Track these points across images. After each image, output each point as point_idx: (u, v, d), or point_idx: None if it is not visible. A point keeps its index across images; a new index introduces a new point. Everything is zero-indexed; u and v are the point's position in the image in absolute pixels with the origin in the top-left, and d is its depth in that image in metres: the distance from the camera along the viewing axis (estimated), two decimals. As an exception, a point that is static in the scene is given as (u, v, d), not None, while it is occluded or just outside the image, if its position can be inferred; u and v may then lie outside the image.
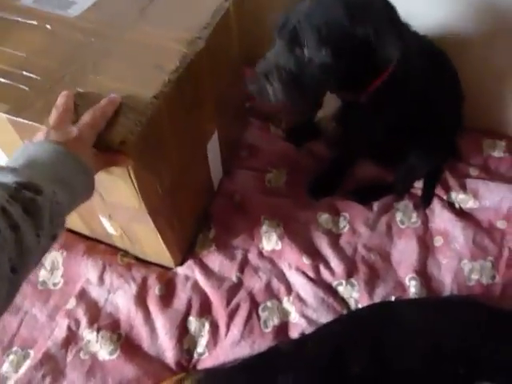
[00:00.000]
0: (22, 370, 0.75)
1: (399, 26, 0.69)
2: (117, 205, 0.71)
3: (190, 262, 0.88)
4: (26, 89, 0.62)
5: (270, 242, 0.90)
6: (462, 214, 0.95)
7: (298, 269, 0.87)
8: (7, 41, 0.69)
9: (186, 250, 0.90)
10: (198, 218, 0.94)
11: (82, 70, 0.65)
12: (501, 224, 0.93)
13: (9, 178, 0.42)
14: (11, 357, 0.76)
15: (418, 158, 0.94)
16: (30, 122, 0.58)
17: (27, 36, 0.70)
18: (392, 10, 0.68)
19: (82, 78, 0.64)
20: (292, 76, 0.67)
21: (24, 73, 0.65)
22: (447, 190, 0.98)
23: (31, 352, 0.77)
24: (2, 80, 0.63)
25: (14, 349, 0.77)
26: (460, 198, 0.96)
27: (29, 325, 0.80)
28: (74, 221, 0.86)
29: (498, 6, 0.88)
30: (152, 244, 0.81)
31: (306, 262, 0.87)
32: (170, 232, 0.80)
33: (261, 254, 0.90)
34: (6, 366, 0.75)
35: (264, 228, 0.91)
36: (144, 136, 0.59)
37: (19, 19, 0.73)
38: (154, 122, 0.61)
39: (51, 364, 0.75)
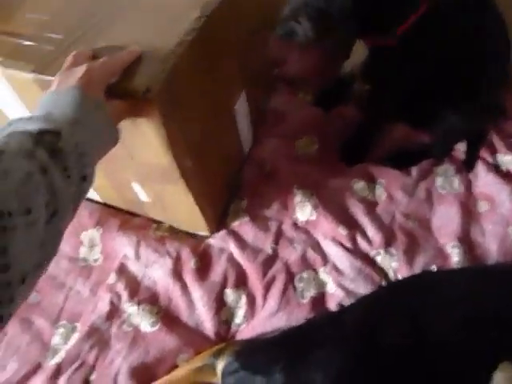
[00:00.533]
0: (71, 342, 0.79)
1: None
2: (147, 166, 0.70)
3: (223, 233, 0.88)
4: (50, 48, 0.62)
5: (305, 212, 0.88)
6: (509, 177, 0.89)
7: (333, 239, 0.85)
8: (27, 5, 0.69)
9: (220, 219, 0.90)
10: (229, 185, 0.92)
11: (102, 25, 0.64)
12: (554, 186, 0.87)
13: (30, 126, 0.44)
14: (60, 330, 0.80)
15: (458, 117, 0.87)
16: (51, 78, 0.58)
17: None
18: None
19: (102, 33, 0.63)
20: (321, 12, 0.62)
21: (46, 34, 0.64)
22: (493, 151, 0.92)
23: (78, 325, 0.80)
24: (26, 42, 0.64)
25: (63, 322, 0.81)
26: (507, 160, 0.90)
27: (73, 300, 0.83)
28: (107, 192, 0.87)
29: None
30: (185, 209, 0.80)
31: (342, 232, 0.84)
32: (203, 195, 0.79)
33: (295, 224, 0.88)
34: (56, 339, 0.79)
35: (298, 198, 0.89)
36: (168, 85, 0.57)
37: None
38: (178, 70, 0.59)
39: (97, 336, 0.79)
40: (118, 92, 0.55)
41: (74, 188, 0.46)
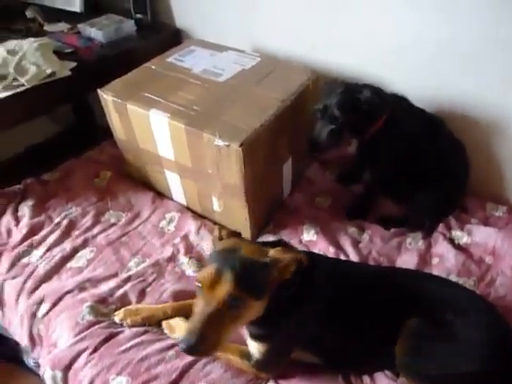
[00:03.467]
0: (140, 267, 1.21)
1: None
2: (227, 185, 1.19)
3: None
4: (193, 113, 1.19)
5: (309, 234, 1.30)
6: (458, 247, 1.26)
7: (325, 254, 1.24)
8: (184, 90, 1.29)
9: (258, 232, 1.34)
10: (268, 214, 1.38)
11: (223, 108, 1.20)
12: (489, 259, 1.22)
13: None
14: (136, 259, 1.23)
15: (426, 202, 1.31)
16: (196, 130, 1.12)
17: (195, 89, 1.30)
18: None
19: (223, 112, 1.18)
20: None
21: (193, 107, 1.22)
22: (449, 229, 1.31)
23: (147, 260, 1.23)
24: (182, 109, 1.20)
25: (138, 256, 1.25)
26: (457, 235, 1.28)
27: (148, 247, 1.28)
28: (194, 201, 1.37)
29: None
30: (240, 219, 1.27)
31: (331, 250, 1.24)
32: (253, 212, 1.26)
33: (300, 241, 1.30)
34: (131, 263, 1.22)
35: (306, 226, 1.32)
36: (251, 145, 1.09)
37: (191, 80, 1.34)
38: (258, 139, 1.12)
39: (158, 268, 1.21)
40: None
41: None
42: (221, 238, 0.89)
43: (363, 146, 1.27)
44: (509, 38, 1.16)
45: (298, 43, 1.57)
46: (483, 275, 1.18)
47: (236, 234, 0.93)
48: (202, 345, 0.75)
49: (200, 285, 0.78)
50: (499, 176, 1.40)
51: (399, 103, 1.24)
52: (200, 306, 0.77)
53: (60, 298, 1.12)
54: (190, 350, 0.75)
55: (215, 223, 1.35)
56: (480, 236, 1.25)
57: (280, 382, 0.98)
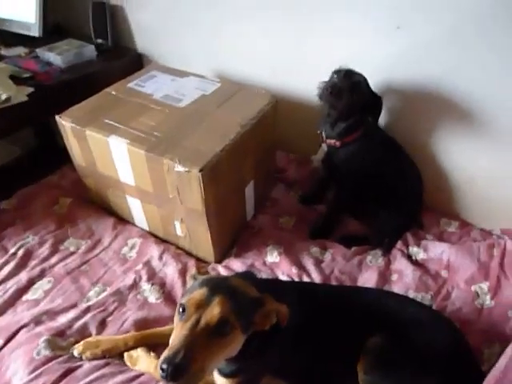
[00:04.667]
0: (101, 296, 1.18)
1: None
2: (188, 210, 1.19)
3: (219, 264, 1.31)
4: (154, 140, 1.19)
5: (272, 256, 1.32)
6: (415, 263, 1.31)
7: (288, 275, 1.26)
8: (145, 116, 1.29)
9: (222, 256, 1.34)
10: (232, 236, 1.38)
11: (183, 133, 1.21)
12: (444, 273, 1.27)
13: None
14: (96, 288, 1.20)
15: (385, 221, 1.36)
16: (156, 156, 1.12)
17: (155, 114, 1.30)
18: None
19: (182, 138, 1.19)
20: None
21: (154, 132, 1.22)
22: (407, 245, 1.36)
23: (108, 288, 1.20)
24: (142, 135, 1.20)
25: (99, 285, 1.21)
26: (414, 251, 1.33)
27: (110, 274, 1.25)
28: (156, 226, 1.35)
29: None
30: (204, 243, 1.27)
31: (294, 271, 1.26)
32: (216, 237, 1.26)
33: (264, 263, 1.31)
34: (91, 293, 1.19)
35: (269, 247, 1.34)
36: (212, 170, 1.09)
37: (152, 105, 1.34)
38: (219, 163, 1.12)
39: (119, 296, 1.18)
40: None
41: None
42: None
43: (332, 154, 1.32)
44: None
45: (259, 68, 1.62)
46: (439, 289, 1.23)
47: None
48: (188, 366, 0.68)
49: (186, 306, 0.75)
50: (450, 193, 1.47)
51: (371, 123, 1.32)
52: (185, 328, 0.72)
53: (15, 333, 1.07)
54: (173, 372, 0.66)
55: (178, 247, 1.34)
56: (435, 251, 1.31)
57: (246, 408, 0.97)
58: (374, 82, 1.29)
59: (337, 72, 1.24)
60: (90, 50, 1.76)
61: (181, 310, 0.77)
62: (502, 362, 0.82)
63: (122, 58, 1.84)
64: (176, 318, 0.78)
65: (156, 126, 1.24)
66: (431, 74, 1.30)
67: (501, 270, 1.23)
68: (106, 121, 1.25)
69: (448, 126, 1.36)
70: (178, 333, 0.74)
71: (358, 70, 1.23)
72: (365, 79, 1.24)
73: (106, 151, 1.22)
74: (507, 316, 1.14)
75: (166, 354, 0.70)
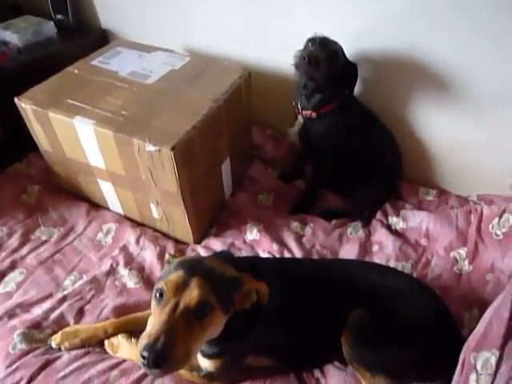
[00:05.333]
0: (77, 284, 1.14)
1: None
2: (163, 192, 1.15)
3: (198, 245, 1.28)
4: (122, 119, 1.13)
5: (252, 233, 1.29)
6: (395, 232, 1.31)
7: (269, 252, 1.24)
8: (111, 95, 1.22)
9: (201, 237, 1.30)
10: (211, 216, 1.35)
11: (153, 112, 1.15)
12: (423, 242, 1.28)
13: None
14: (71, 277, 1.16)
15: (365, 194, 1.36)
16: (125, 136, 1.07)
17: (122, 93, 1.23)
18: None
19: (152, 116, 1.13)
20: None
21: (121, 112, 1.15)
22: (386, 216, 1.36)
23: (84, 276, 1.16)
24: (110, 115, 1.14)
25: (74, 273, 1.17)
26: (394, 221, 1.33)
27: (85, 262, 1.21)
28: (132, 209, 1.31)
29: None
30: (181, 225, 1.23)
31: (275, 247, 1.24)
32: (194, 218, 1.22)
33: (244, 241, 1.29)
34: (67, 282, 1.15)
35: (249, 225, 1.32)
36: (184, 148, 1.05)
37: (118, 83, 1.27)
38: (191, 141, 1.08)
39: (96, 284, 1.14)
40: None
41: None
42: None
43: (308, 126, 1.29)
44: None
45: (231, 41, 1.56)
46: (419, 257, 1.24)
47: None
48: (170, 352, 0.66)
49: (163, 290, 0.73)
50: (428, 162, 1.47)
51: (347, 94, 1.30)
52: (164, 312, 0.70)
53: (-13, 329, 1.03)
54: (155, 359, 0.65)
55: (155, 230, 1.31)
56: (414, 220, 1.31)
57: (232, 387, 0.96)
58: (348, 52, 1.25)
59: (311, 40, 1.20)
60: (49, 27, 1.65)
61: (158, 294, 0.74)
62: (482, 325, 0.83)
63: (84, 35, 1.74)
64: (153, 303, 0.76)
65: (123, 104, 1.17)
66: (404, 43, 1.27)
67: (478, 235, 1.24)
68: (70, 101, 1.18)
69: (424, 95, 1.34)
70: (156, 318, 0.72)
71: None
72: (341, 47, 1.21)
73: (72, 134, 1.16)
74: (485, 280, 1.16)
75: (145, 341, 0.68)
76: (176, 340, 0.68)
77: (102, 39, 1.78)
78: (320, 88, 1.23)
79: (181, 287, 0.73)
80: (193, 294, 0.72)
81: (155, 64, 1.35)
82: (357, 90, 1.31)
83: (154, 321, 0.72)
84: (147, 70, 1.32)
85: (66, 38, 1.68)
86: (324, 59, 1.16)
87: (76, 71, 1.32)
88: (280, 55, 1.42)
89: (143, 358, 0.66)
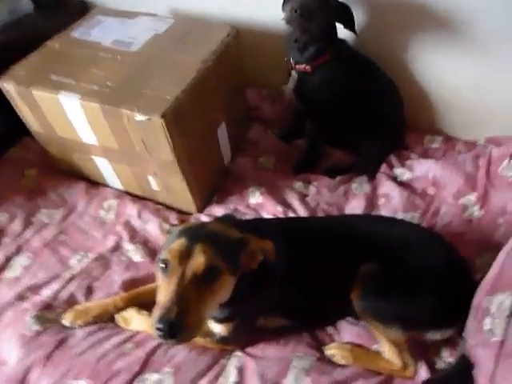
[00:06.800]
0: (83, 263, 1.13)
1: None
2: (159, 162, 1.12)
3: (199, 214, 1.26)
4: (108, 90, 1.08)
5: (255, 197, 1.27)
6: (401, 183, 1.28)
7: (273, 214, 1.22)
8: (95, 66, 1.16)
9: (203, 205, 1.28)
10: (211, 183, 1.32)
11: (139, 80, 1.10)
12: (431, 190, 1.24)
13: None
14: (77, 256, 1.15)
15: (369, 147, 1.31)
16: (113, 108, 1.03)
17: (106, 63, 1.17)
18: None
19: (139, 84, 1.08)
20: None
21: (107, 83, 1.10)
22: (391, 167, 1.32)
23: (90, 254, 1.16)
24: (95, 87, 1.09)
25: (80, 252, 1.17)
26: (399, 172, 1.30)
27: (90, 240, 1.20)
28: (131, 184, 1.28)
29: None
30: (182, 194, 1.21)
31: (279, 209, 1.22)
32: (194, 186, 1.20)
33: (248, 206, 1.26)
34: (73, 262, 1.14)
35: (251, 189, 1.29)
36: (175, 114, 1.01)
37: (101, 54, 1.21)
38: (182, 106, 1.03)
39: (102, 260, 1.14)
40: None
41: None
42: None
43: (304, 81, 1.23)
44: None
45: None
46: (428, 207, 1.21)
47: None
48: (184, 320, 0.66)
49: (167, 260, 0.72)
50: (432, 109, 1.41)
51: (342, 42, 1.23)
52: (171, 282, 0.69)
53: (0, 313, 1.03)
54: (170, 330, 0.65)
55: (157, 203, 1.29)
56: (420, 170, 1.27)
57: (247, 349, 0.96)
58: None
59: None
60: (25, 4, 1.57)
61: (163, 265, 0.73)
62: (495, 268, 0.81)
63: (63, 9, 1.65)
64: (159, 275, 0.74)
65: (109, 75, 1.12)
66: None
67: (487, 178, 1.20)
68: (53, 77, 1.13)
69: (426, 36, 1.27)
70: (165, 289, 0.71)
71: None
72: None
73: (60, 111, 1.12)
74: (496, 223, 1.13)
75: (158, 312, 0.67)
76: (188, 308, 0.68)
77: (81, 11, 1.68)
78: (314, 39, 1.16)
79: (185, 255, 0.71)
80: (199, 260, 0.70)
81: (138, 30, 1.29)
82: (351, 36, 1.24)
83: (164, 292, 0.71)
84: (130, 37, 1.25)
85: (45, 13, 1.60)
86: (317, 8, 1.08)
87: (57, 45, 1.26)
88: (268, 8, 1.34)
89: (158, 329, 0.66)
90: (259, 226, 0.92)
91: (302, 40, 1.17)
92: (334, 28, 1.19)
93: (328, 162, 1.39)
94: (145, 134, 1.04)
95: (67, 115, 1.12)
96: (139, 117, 1.00)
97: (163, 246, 0.79)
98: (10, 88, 1.14)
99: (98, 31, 1.30)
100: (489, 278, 0.81)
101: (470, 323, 0.81)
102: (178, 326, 0.66)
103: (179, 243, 0.73)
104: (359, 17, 1.28)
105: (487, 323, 0.76)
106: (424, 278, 0.89)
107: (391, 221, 1.06)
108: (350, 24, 1.19)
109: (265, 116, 1.55)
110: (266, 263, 0.81)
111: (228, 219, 0.91)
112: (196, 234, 0.75)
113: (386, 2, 1.24)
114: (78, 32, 1.30)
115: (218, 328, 0.91)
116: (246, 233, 0.81)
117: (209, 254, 0.71)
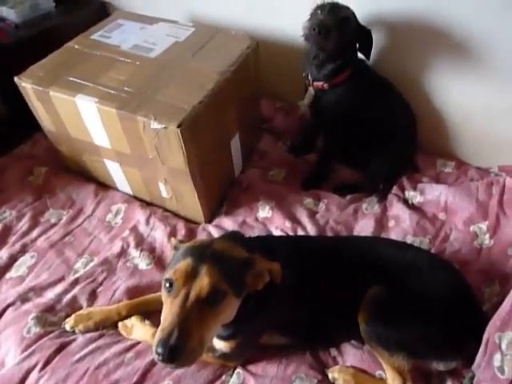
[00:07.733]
0: (88, 267, 1.12)
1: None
2: (171, 170, 1.11)
3: (209, 224, 1.25)
4: (125, 96, 1.08)
5: (264, 211, 1.26)
6: (412, 206, 1.27)
7: (281, 230, 1.21)
8: (113, 70, 1.17)
9: (212, 215, 1.27)
10: (221, 194, 1.31)
11: (157, 87, 1.10)
12: (442, 216, 1.23)
13: None
14: (83, 259, 1.15)
15: (379, 166, 1.30)
16: (129, 114, 1.02)
17: (125, 68, 1.18)
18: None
19: (156, 91, 1.08)
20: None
21: (124, 88, 1.10)
22: (403, 190, 1.31)
23: (95, 258, 1.15)
24: (112, 92, 1.09)
25: (85, 255, 1.16)
26: (411, 195, 1.29)
27: (96, 244, 1.19)
28: (140, 189, 1.28)
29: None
30: (191, 203, 1.20)
31: (287, 225, 1.21)
32: (204, 196, 1.19)
33: (256, 219, 1.25)
34: (78, 265, 1.13)
35: (260, 202, 1.28)
36: (191, 124, 1.00)
37: (120, 58, 1.21)
38: (198, 116, 1.03)
39: (107, 265, 1.13)
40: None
41: None
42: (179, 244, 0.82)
43: (320, 98, 1.23)
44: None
45: (236, 8, 1.47)
46: (438, 232, 1.19)
47: None
48: (184, 345, 0.64)
49: (172, 280, 0.70)
50: (445, 132, 1.40)
51: (361, 62, 1.24)
52: (175, 304, 0.68)
53: (1, 313, 1.02)
54: (170, 354, 0.63)
55: (165, 210, 1.28)
56: (432, 194, 1.26)
57: (248, 367, 0.95)
58: (360, 15, 1.17)
59: (321, 7, 1.12)
60: (46, 1, 1.58)
61: (167, 284, 0.72)
62: (507, 303, 0.79)
63: (83, 8, 1.67)
64: (164, 293, 0.73)
65: (126, 80, 1.12)
66: (419, 3, 1.18)
67: (500, 208, 1.19)
68: (71, 79, 1.13)
69: (440, 60, 1.26)
70: (168, 310, 0.70)
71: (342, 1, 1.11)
72: (352, 13, 1.13)
73: (75, 113, 1.12)
74: (507, 254, 1.12)
75: (159, 335, 0.66)
76: (189, 332, 0.66)
77: (101, 12, 1.70)
78: (332, 58, 1.16)
79: (190, 276, 0.70)
80: (203, 282, 0.69)
81: (158, 36, 1.29)
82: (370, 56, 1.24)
83: (166, 313, 0.70)
84: (150, 43, 1.26)
85: (65, 11, 1.61)
86: (335, 27, 1.08)
87: (76, 46, 1.26)
88: (288, 20, 1.34)
89: (158, 354, 0.65)
90: (267, 245, 0.91)
91: (319, 57, 1.17)
92: (354, 48, 1.18)
93: (337, 180, 1.38)
94: (159, 142, 1.04)
95: (82, 117, 1.12)
96: (155, 125, 0.99)
97: (169, 264, 0.78)
98: (27, 87, 1.14)
99: (118, 35, 1.30)
100: (500, 312, 0.79)
101: (481, 357, 0.79)
102: (178, 350, 0.65)
103: (185, 264, 0.72)
104: (380, 38, 1.28)
105: (497, 359, 0.74)
106: (432, 306, 0.88)
107: (402, 245, 1.05)
108: (366, 48, 1.19)
109: (277, 128, 1.54)
110: (272, 283, 0.80)
111: (235, 236, 0.90)
112: (202, 254, 0.73)
113: (404, 26, 1.24)
114: (99, 34, 1.31)
115: (220, 344, 0.90)
116: (252, 252, 0.80)
117: (214, 277, 0.70)
